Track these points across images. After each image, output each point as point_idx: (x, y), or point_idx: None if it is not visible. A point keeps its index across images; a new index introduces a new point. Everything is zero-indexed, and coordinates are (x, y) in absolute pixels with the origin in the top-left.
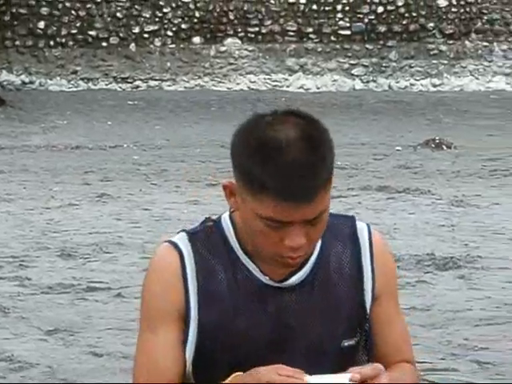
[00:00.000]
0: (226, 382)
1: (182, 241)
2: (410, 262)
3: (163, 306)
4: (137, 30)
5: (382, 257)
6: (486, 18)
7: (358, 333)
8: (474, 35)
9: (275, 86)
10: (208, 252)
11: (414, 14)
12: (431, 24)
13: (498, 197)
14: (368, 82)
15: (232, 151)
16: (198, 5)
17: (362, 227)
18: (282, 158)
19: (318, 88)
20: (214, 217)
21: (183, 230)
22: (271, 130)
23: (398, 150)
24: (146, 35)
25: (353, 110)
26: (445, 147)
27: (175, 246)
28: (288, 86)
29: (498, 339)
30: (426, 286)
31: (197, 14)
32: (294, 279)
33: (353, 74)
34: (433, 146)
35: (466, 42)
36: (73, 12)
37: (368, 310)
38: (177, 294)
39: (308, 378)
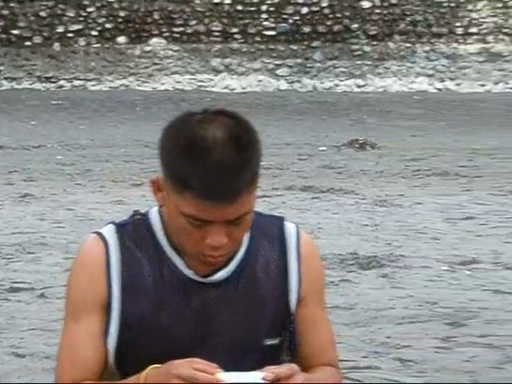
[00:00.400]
0: (142, 373)
1: (109, 232)
2: (334, 262)
3: (87, 297)
4: (61, 29)
5: (309, 258)
6: (408, 19)
7: (282, 333)
8: (397, 36)
9: (200, 86)
10: (135, 245)
11: (338, 15)
12: (355, 25)
13: (420, 196)
14: (293, 82)
15: (160, 148)
16: (123, 4)
17: (290, 228)
18: (208, 158)
19: (243, 88)
20: (142, 211)
21: (112, 222)
22: (200, 128)
23: (322, 150)
24: (70, 35)
25: (277, 110)
26: (368, 147)
27: (101, 236)
28: (213, 86)
29: (420, 337)
30: (350, 285)
31: (121, 14)
32: (220, 275)
33: (277, 75)
34: (357, 146)
35: (390, 43)
36: None
37: (293, 311)
38: (100, 284)
39: (220, 373)
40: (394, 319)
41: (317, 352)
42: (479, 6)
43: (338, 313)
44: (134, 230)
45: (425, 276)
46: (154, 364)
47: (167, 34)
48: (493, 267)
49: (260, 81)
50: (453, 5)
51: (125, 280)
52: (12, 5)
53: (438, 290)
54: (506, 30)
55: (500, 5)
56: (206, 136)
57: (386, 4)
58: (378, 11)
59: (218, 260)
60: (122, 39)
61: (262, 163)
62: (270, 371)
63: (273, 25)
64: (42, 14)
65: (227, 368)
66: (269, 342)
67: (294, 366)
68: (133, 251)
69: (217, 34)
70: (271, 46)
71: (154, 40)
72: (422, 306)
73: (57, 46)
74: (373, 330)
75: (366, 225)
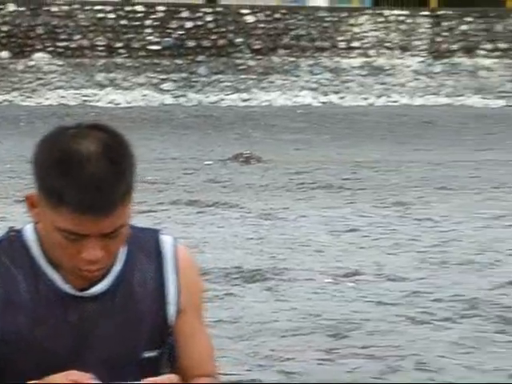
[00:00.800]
0: None
1: None
2: (219, 276)
3: None
4: None
5: (186, 270)
6: (292, 33)
7: (161, 345)
8: (281, 51)
9: (85, 100)
10: (10, 261)
11: (223, 30)
12: (239, 39)
13: (304, 209)
14: (178, 96)
15: (34, 162)
16: (6, 19)
17: (166, 240)
18: (82, 172)
19: (128, 103)
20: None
21: None
22: (73, 143)
23: (207, 165)
24: None
25: (163, 124)
26: (253, 161)
27: None
28: (98, 101)
29: (303, 349)
30: (234, 299)
31: (4, 28)
32: (96, 289)
33: (162, 89)
34: (242, 160)
35: (274, 58)
36: None
37: (171, 323)
38: None
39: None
40: (277, 332)
41: (196, 364)
42: (361, 20)
43: (222, 326)
44: (9, 247)
45: (308, 288)
46: (32, 380)
47: (51, 49)
48: (375, 279)
49: (145, 95)
50: (335, 19)
51: (1, 296)
52: None
53: (322, 302)
54: (387, 44)
55: (381, 19)
56: (79, 150)
57: (269, 19)
58: (262, 26)
59: (95, 274)
60: (4, 54)
61: (147, 178)
62: (149, 381)
63: (157, 39)
64: None
65: (107, 381)
66: (147, 354)
67: (173, 377)
68: (8, 267)
69: (101, 48)
70: (156, 61)
71: (38, 55)
72: (306, 319)
73: None
74: (257, 343)
75: (251, 238)
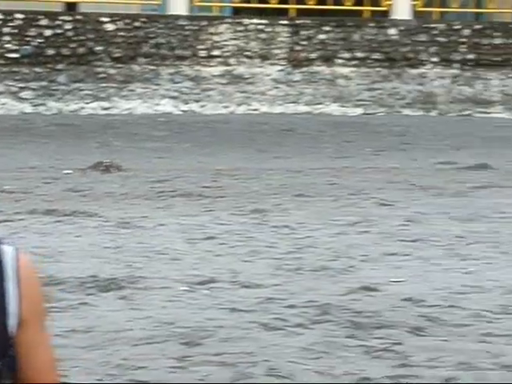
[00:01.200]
0: None
1: None
2: (74, 285)
3: None
4: None
5: (28, 280)
6: (152, 42)
7: (1, 357)
8: (141, 59)
9: None
10: None
11: (82, 38)
12: (99, 48)
13: (164, 218)
14: (37, 105)
15: None
16: None
17: (7, 250)
18: None
19: None
20: None
21: None
22: None
23: (67, 174)
24: None
25: (22, 133)
26: (114, 170)
27: None
28: None
29: (156, 358)
30: (88, 308)
31: None
32: None
33: (21, 98)
34: (102, 168)
35: (134, 66)
36: None
37: (12, 335)
38: None
39: None
40: (131, 341)
41: (37, 375)
42: (221, 29)
43: (75, 336)
44: None
45: (164, 297)
46: None
47: None
48: (230, 286)
49: (4, 104)
50: (195, 28)
51: None
52: None
53: (176, 310)
54: (247, 53)
55: (241, 28)
56: None
57: (129, 27)
58: (121, 34)
59: None
60: None
61: (4, 187)
62: None
63: (16, 47)
64: None
65: None
66: None
67: None
68: None
69: None
70: (14, 69)
71: None
72: (160, 327)
73: None
74: (110, 352)
75: (108, 247)
